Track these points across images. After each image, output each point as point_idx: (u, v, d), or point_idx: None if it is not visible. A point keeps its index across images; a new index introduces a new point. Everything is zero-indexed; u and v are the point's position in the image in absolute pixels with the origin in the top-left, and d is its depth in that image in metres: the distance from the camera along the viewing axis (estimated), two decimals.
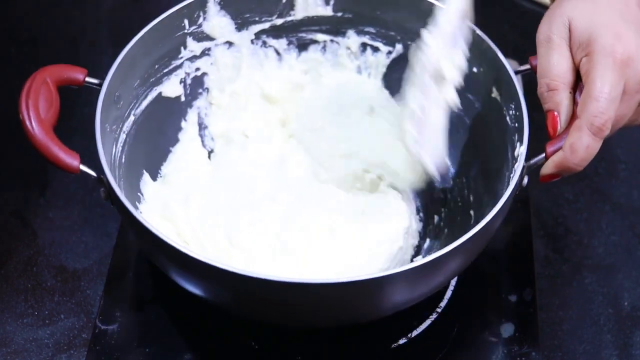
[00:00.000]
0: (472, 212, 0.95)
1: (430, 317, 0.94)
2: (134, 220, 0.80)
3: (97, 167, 0.83)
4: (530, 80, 0.88)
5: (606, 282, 0.99)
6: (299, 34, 1.02)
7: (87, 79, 0.87)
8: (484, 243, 0.85)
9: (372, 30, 1.00)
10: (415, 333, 0.93)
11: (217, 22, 0.96)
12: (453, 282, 0.96)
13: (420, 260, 0.77)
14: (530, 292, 0.95)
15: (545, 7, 1.24)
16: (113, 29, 1.21)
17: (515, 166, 0.84)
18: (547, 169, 0.82)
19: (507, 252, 0.99)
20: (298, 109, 1.03)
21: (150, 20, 0.92)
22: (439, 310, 0.94)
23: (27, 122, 0.83)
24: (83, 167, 0.83)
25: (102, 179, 0.83)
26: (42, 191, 1.04)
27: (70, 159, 0.82)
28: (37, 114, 0.83)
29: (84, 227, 1.01)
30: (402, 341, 0.92)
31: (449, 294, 0.95)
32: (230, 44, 0.99)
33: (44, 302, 0.96)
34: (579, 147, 0.80)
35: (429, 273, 0.80)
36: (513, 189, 0.83)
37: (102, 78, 0.87)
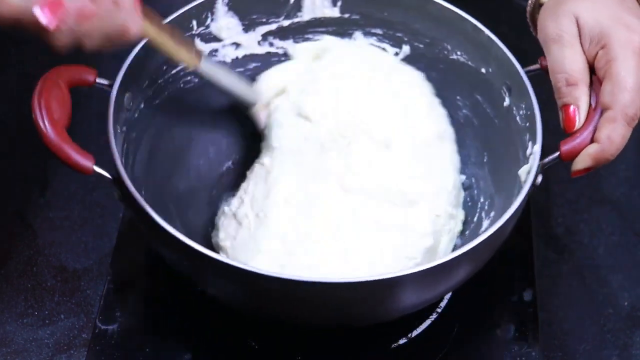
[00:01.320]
0: (483, 214, 0.95)
1: (430, 317, 0.94)
2: (151, 223, 0.79)
3: (111, 168, 0.82)
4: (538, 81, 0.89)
5: (606, 282, 0.99)
6: (305, 35, 1.01)
7: (98, 80, 0.87)
8: (497, 245, 0.85)
9: (379, 31, 1.00)
10: (415, 333, 0.93)
11: (224, 23, 0.96)
12: None
13: (433, 262, 0.77)
14: (530, 292, 0.95)
15: None
16: None
17: (530, 165, 0.85)
18: (582, 163, 0.82)
19: (507, 252, 0.99)
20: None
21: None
22: (439, 310, 0.94)
23: (40, 123, 0.81)
24: (97, 169, 0.82)
25: (116, 180, 0.82)
26: (42, 191, 1.04)
27: (84, 161, 0.81)
28: (49, 115, 0.81)
29: (84, 227, 1.01)
30: (402, 341, 0.92)
31: (449, 294, 0.95)
32: (237, 45, 0.99)
33: (44, 302, 0.96)
34: (615, 137, 0.81)
35: (440, 275, 0.80)
36: (529, 189, 0.83)
37: (110, 78, 0.87)
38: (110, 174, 0.82)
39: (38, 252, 1.00)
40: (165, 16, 0.92)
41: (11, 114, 1.12)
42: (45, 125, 0.81)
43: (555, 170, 1.06)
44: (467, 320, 0.94)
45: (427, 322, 0.93)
